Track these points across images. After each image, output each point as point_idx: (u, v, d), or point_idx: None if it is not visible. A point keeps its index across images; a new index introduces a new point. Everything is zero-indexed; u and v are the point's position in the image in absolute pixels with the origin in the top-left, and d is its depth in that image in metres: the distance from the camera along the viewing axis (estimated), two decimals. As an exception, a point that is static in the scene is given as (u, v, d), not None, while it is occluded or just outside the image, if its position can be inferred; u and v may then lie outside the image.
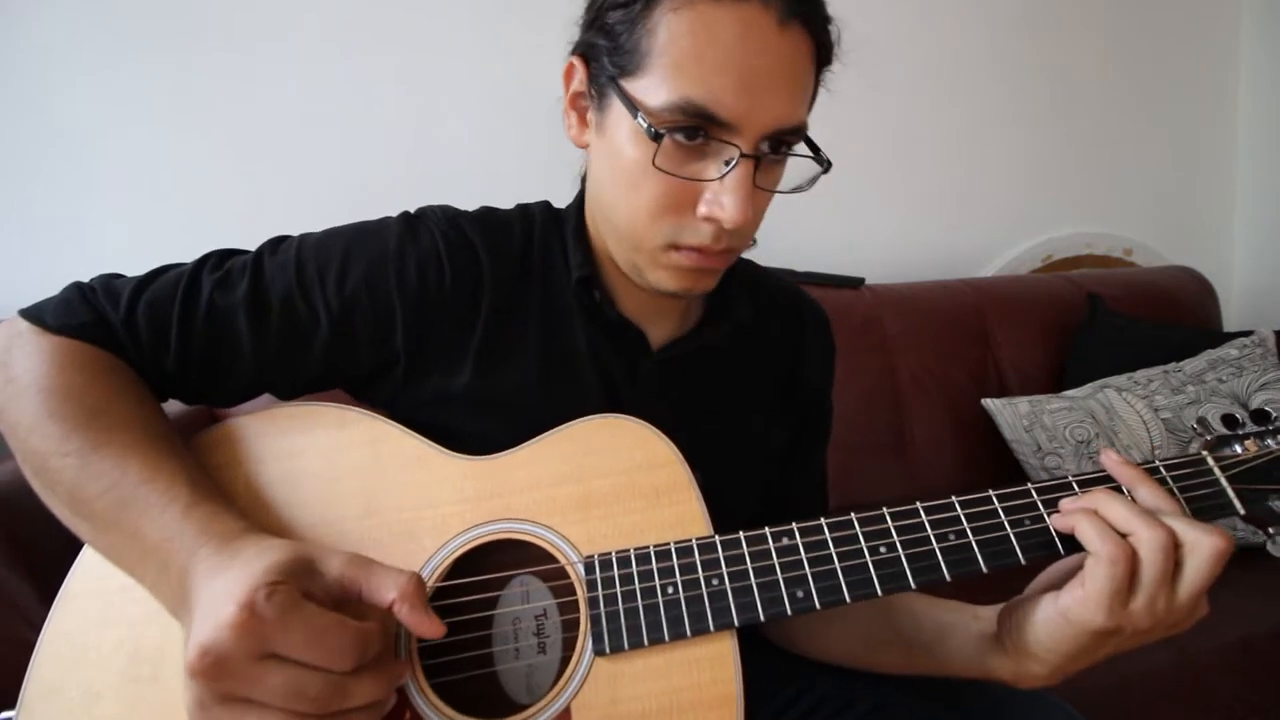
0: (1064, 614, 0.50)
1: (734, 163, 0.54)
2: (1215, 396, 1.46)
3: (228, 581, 0.43)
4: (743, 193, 0.54)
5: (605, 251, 0.66)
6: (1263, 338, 1.57)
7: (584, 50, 0.59)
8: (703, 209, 0.55)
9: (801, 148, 0.59)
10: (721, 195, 0.54)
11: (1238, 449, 0.57)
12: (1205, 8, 2.04)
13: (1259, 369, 1.50)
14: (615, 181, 0.59)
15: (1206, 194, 2.12)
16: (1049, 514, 0.53)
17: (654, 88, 0.53)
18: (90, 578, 0.54)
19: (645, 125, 0.53)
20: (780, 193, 0.60)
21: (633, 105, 0.54)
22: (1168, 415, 1.44)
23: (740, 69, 0.52)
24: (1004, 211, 1.94)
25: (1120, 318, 1.63)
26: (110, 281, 0.59)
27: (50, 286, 0.60)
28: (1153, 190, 2.06)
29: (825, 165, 0.59)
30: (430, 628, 0.48)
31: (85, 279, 0.60)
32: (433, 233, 0.63)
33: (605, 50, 0.56)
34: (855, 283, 1.59)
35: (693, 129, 0.53)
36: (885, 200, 1.83)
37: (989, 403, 1.51)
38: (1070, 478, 0.54)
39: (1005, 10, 1.88)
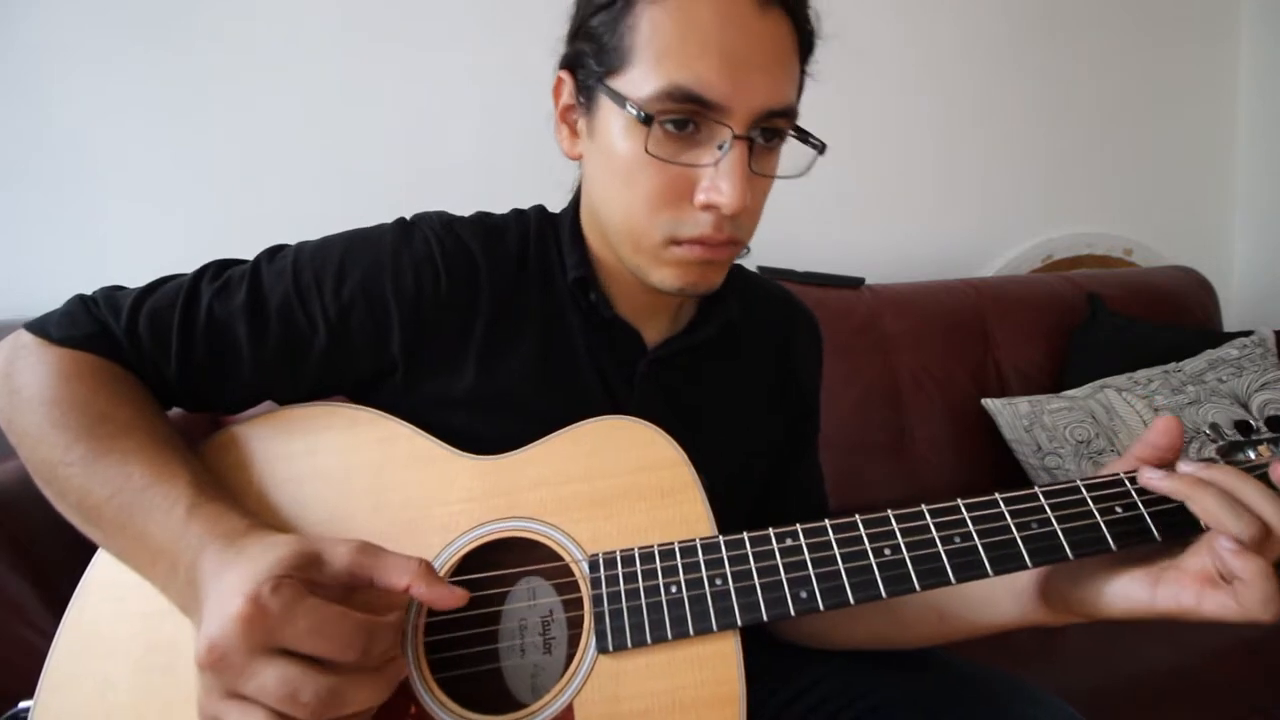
0: (1156, 607, 0.50)
1: (727, 146, 0.54)
2: (1215, 396, 1.47)
3: (235, 577, 0.44)
4: (739, 175, 0.54)
5: (601, 253, 0.66)
6: (1263, 338, 1.57)
7: (569, 61, 0.60)
8: (700, 196, 0.55)
9: (795, 142, 0.59)
10: (718, 180, 0.54)
11: (1250, 454, 0.57)
12: (1205, 8, 2.04)
13: (1259, 369, 1.50)
14: (610, 180, 0.59)
15: (1206, 194, 2.12)
16: (1055, 517, 0.52)
17: (640, 79, 0.54)
18: (108, 570, 0.54)
19: (635, 112, 0.54)
20: (779, 178, 0.60)
21: (621, 98, 0.55)
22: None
23: (722, 50, 0.53)
24: (1004, 211, 1.94)
25: (1120, 318, 1.63)
26: (112, 293, 0.60)
27: (48, 286, 0.60)
28: (1153, 190, 2.06)
29: (820, 148, 0.59)
30: (452, 597, 0.48)
31: (85, 288, 0.61)
32: (428, 238, 0.63)
33: (590, 54, 0.57)
34: (855, 283, 1.59)
35: (683, 120, 0.54)
36: (885, 200, 1.83)
37: (989, 403, 1.51)
38: (1078, 481, 0.53)
39: (1006, 10, 1.87)
